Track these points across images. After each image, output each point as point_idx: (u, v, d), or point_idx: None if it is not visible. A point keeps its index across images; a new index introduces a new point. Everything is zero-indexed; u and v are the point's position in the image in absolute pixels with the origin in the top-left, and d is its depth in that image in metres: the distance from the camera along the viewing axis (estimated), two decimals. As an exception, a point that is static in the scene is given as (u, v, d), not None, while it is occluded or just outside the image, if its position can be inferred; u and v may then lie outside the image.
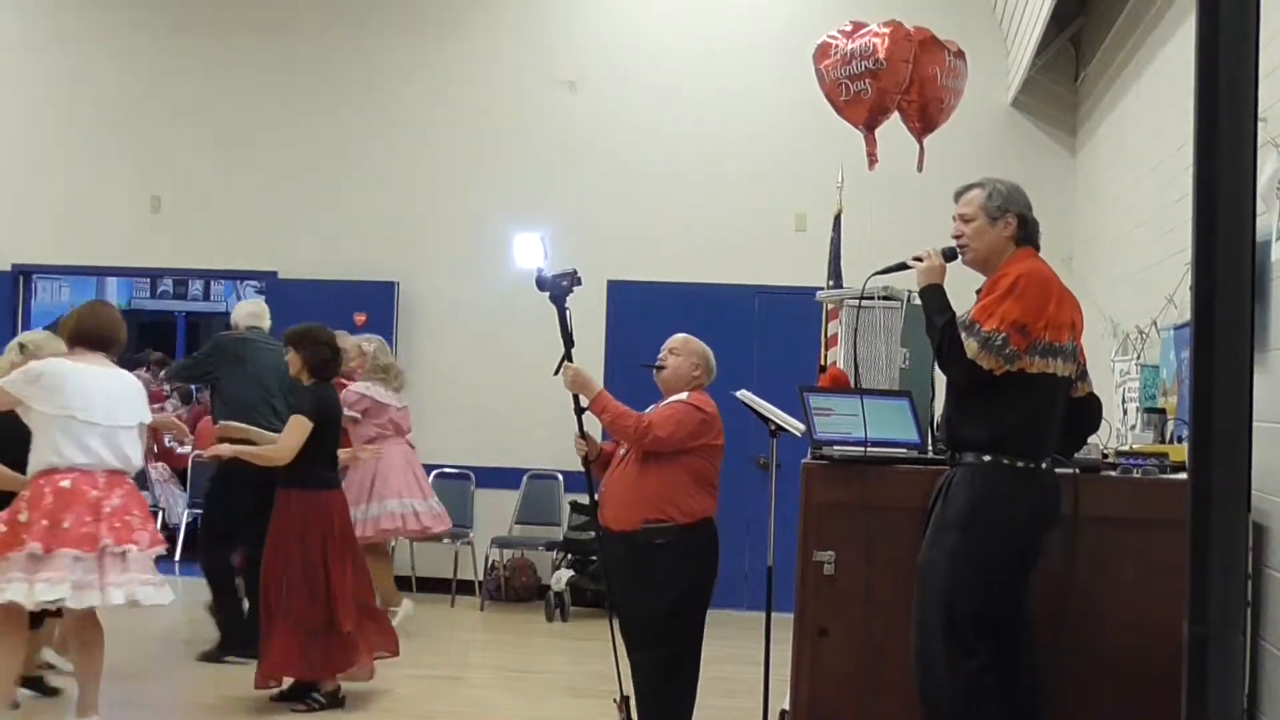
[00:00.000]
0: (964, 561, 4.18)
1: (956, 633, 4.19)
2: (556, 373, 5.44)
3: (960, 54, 6.59)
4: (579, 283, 5.47)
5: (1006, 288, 4.23)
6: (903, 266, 4.60)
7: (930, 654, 4.24)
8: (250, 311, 8.32)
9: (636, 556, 5.28)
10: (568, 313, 5.46)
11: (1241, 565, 2.60)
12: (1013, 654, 4.26)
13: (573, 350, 5.48)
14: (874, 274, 4.84)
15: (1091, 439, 4.74)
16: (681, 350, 5.56)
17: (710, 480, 5.40)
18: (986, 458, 4.23)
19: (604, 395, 5.40)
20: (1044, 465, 4.27)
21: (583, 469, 5.62)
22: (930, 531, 4.32)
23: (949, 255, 4.49)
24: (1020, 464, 4.21)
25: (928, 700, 4.27)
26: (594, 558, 8.99)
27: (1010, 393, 4.20)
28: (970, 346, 4.19)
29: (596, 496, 5.59)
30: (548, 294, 5.43)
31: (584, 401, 5.43)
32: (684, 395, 5.43)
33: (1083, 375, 4.51)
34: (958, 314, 4.32)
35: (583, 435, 5.51)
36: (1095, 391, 4.62)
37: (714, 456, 5.42)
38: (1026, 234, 4.41)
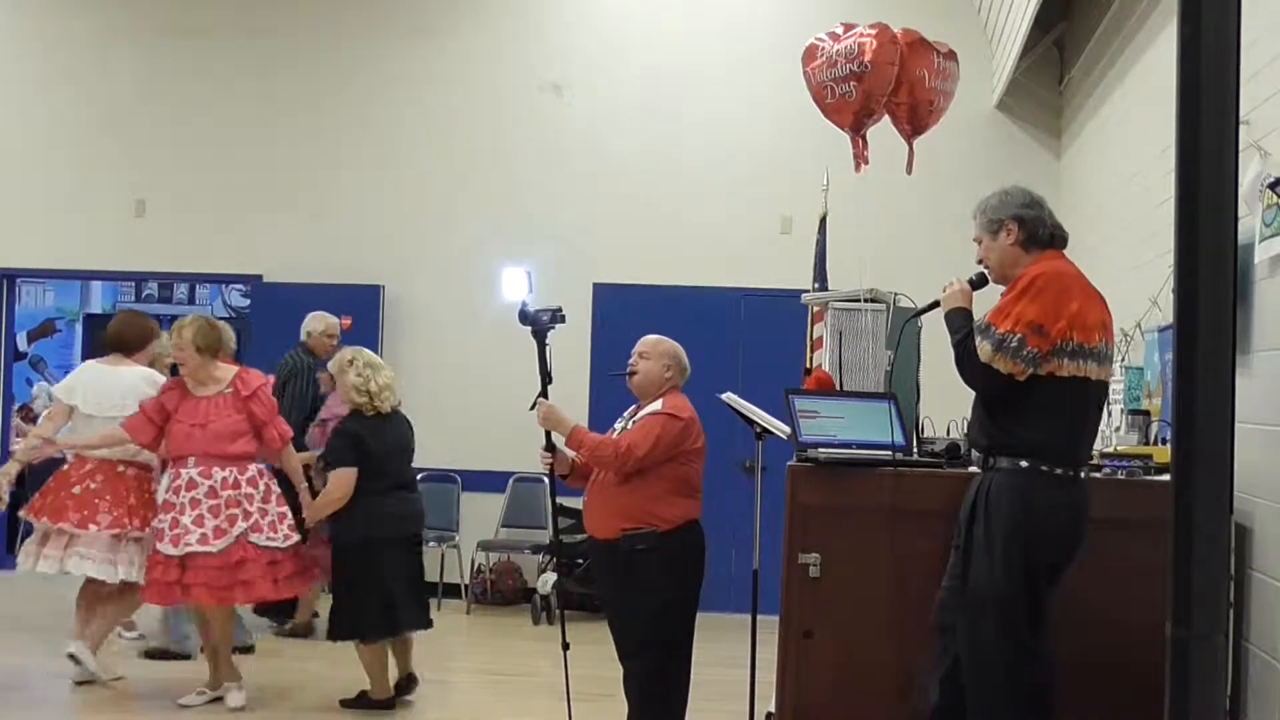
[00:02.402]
0: (1012, 571, 4.14)
1: (1014, 642, 4.15)
2: (532, 408, 5.41)
3: (950, 55, 6.57)
4: (562, 320, 5.47)
5: (1022, 288, 4.20)
6: (935, 305, 4.59)
7: (990, 664, 4.18)
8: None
9: (619, 564, 5.26)
10: (548, 349, 5.45)
11: (1224, 566, 2.61)
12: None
13: (549, 387, 5.45)
14: (909, 318, 4.91)
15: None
16: (651, 353, 5.48)
17: (692, 484, 5.34)
18: (1024, 464, 4.17)
19: (578, 430, 5.35)
20: (1081, 473, 4.22)
21: (548, 480, 5.63)
22: (977, 543, 4.25)
23: (978, 281, 4.50)
24: (1059, 471, 4.16)
25: (985, 710, 4.23)
26: (579, 561, 8.99)
27: (1043, 398, 4.15)
28: (984, 350, 4.16)
29: (557, 508, 5.59)
30: (530, 328, 5.43)
31: (557, 438, 5.42)
32: (659, 404, 5.35)
33: None
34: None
35: (549, 449, 5.47)
36: None
37: (695, 460, 5.35)
38: (1034, 234, 4.35)
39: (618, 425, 5.52)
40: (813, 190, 7.02)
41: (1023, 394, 4.17)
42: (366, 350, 6.76)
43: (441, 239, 10.31)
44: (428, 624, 6.72)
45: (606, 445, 5.25)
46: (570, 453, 5.47)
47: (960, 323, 4.34)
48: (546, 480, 5.65)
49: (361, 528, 6.40)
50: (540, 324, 5.42)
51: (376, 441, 6.47)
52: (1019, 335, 4.10)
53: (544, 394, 5.43)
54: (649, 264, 10.03)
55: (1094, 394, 4.26)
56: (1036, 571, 4.16)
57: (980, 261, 4.48)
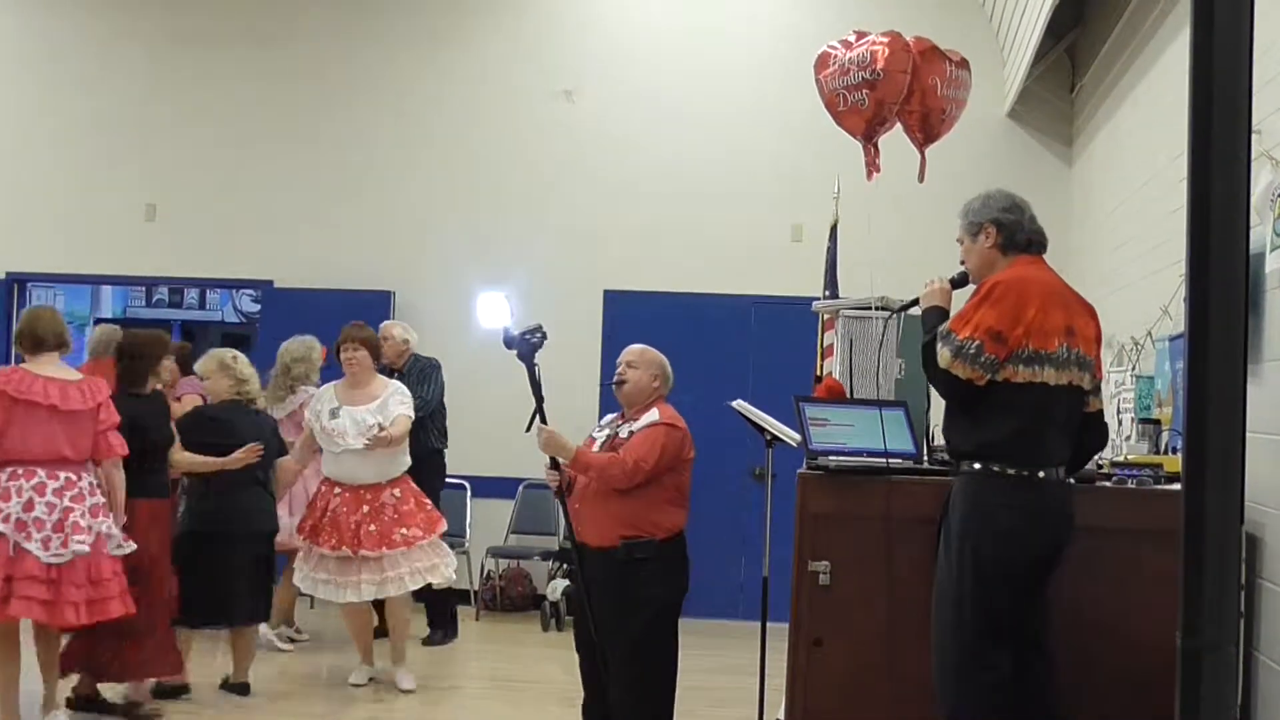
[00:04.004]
0: (964, 572, 4.17)
1: (967, 643, 4.17)
2: (529, 429, 5.40)
3: (963, 63, 6.56)
4: (545, 337, 5.44)
5: (982, 295, 4.24)
6: (916, 302, 4.63)
7: (946, 665, 4.22)
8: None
9: (617, 572, 5.27)
10: (537, 369, 5.42)
11: (1235, 577, 2.60)
12: (1028, 660, 4.25)
13: (544, 406, 5.41)
14: (895, 312, 4.91)
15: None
16: (639, 362, 5.50)
17: (684, 493, 5.40)
18: (977, 466, 4.22)
19: (583, 453, 5.36)
20: (1041, 474, 4.20)
21: (556, 498, 5.61)
22: (939, 543, 4.32)
23: (959, 281, 4.54)
24: (1011, 471, 4.17)
25: (947, 709, 4.24)
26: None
27: (996, 402, 4.18)
28: (943, 355, 4.20)
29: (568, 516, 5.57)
30: (515, 352, 5.41)
31: (561, 461, 5.41)
32: (655, 415, 5.38)
33: (1095, 389, 4.44)
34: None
35: (554, 467, 5.47)
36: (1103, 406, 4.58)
37: (687, 470, 5.41)
38: (1011, 238, 4.39)
39: (598, 435, 5.52)
40: (824, 198, 7.02)
41: (979, 398, 4.20)
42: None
43: (452, 245, 10.32)
44: (266, 616, 7.29)
45: (614, 464, 5.26)
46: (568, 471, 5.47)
47: (934, 322, 4.38)
48: (556, 497, 5.63)
49: (223, 519, 6.70)
50: (525, 347, 5.40)
51: (245, 430, 6.79)
52: (978, 342, 4.14)
53: (540, 413, 5.41)
54: (660, 271, 10.03)
55: (1058, 399, 4.24)
56: (987, 574, 4.15)
57: (963, 262, 4.53)
